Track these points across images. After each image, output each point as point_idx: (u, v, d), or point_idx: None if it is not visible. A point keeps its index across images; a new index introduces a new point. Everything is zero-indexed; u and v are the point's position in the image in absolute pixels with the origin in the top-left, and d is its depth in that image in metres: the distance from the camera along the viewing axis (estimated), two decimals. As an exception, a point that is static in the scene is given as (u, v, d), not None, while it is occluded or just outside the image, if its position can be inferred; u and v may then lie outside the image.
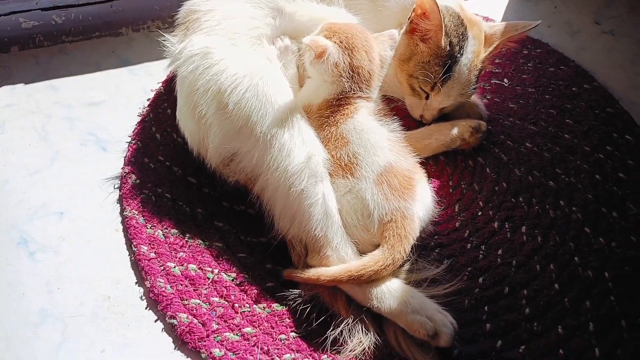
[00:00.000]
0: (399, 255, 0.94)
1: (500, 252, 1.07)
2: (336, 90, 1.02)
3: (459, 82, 1.13)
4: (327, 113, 1.02)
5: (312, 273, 0.95)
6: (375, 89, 1.06)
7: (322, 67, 1.00)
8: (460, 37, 1.09)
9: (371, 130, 1.00)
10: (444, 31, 1.06)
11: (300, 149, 0.98)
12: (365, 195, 0.96)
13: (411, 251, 0.97)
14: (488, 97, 1.37)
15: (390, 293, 0.93)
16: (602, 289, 1.01)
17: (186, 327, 0.94)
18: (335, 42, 1.00)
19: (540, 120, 1.32)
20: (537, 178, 1.20)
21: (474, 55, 1.12)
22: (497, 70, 1.43)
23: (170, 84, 1.30)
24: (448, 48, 1.08)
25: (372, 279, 0.93)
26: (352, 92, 1.02)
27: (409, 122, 1.25)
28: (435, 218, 1.09)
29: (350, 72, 1.01)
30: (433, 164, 1.21)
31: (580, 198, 1.16)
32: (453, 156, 1.23)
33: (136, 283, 1.02)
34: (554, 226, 1.11)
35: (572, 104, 1.36)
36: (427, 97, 1.16)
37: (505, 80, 1.42)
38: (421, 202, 0.99)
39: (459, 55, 1.10)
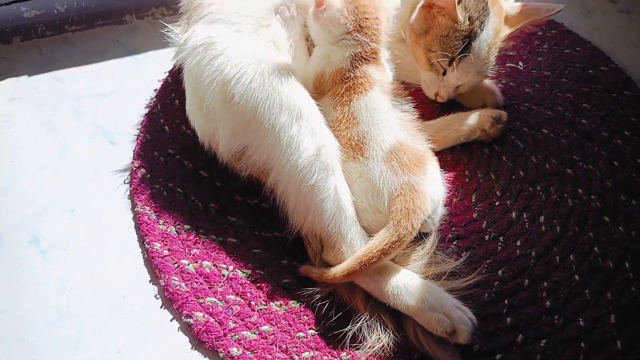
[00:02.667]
0: (404, 231, 0.89)
1: (519, 243, 1.05)
2: (348, 52, 0.99)
3: (478, 59, 1.08)
4: (342, 90, 0.99)
5: (329, 274, 0.93)
6: (385, 47, 1.03)
7: (327, 18, 0.97)
8: (481, 12, 1.05)
9: (382, 109, 0.98)
10: (462, 5, 1.03)
11: (310, 141, 0.94)
12: (374, 173, 0.93)
13: (431, 244, 0.95)
14: (503, 81, 1.34)
15: (406, 289, 0.91)
16: (622, 280, 0.99)
17: (203, 326, 0.93)
18: None
19: (557, 105, 1.29)
20: (555, 166, 1.17)
21: (494, 32, 1.08)
22: (511, 53, 1.39)
23: (177, 74, 1.27)
24: (467, 22, 1.04)
25: (383, 260, 0.90)
26: (364, 50, 0.98)
27: (427, 113, 1.21)
28: (452, 209, 1.07)
29: (358, 19, 0.97)
30: (448, 153, 1.18)
31: (599, 186, 1.13)
32: (468, 145, 1.20)
33: (150, 281, 1.01)
34: (573, 215, 1.09)
35: (589, 87, 1.32)
36: (444, 74, 1.12)
37: (520, 63, 1.38)
38: (432, 182, 0.96)
39: (479, 30, 1.05)
